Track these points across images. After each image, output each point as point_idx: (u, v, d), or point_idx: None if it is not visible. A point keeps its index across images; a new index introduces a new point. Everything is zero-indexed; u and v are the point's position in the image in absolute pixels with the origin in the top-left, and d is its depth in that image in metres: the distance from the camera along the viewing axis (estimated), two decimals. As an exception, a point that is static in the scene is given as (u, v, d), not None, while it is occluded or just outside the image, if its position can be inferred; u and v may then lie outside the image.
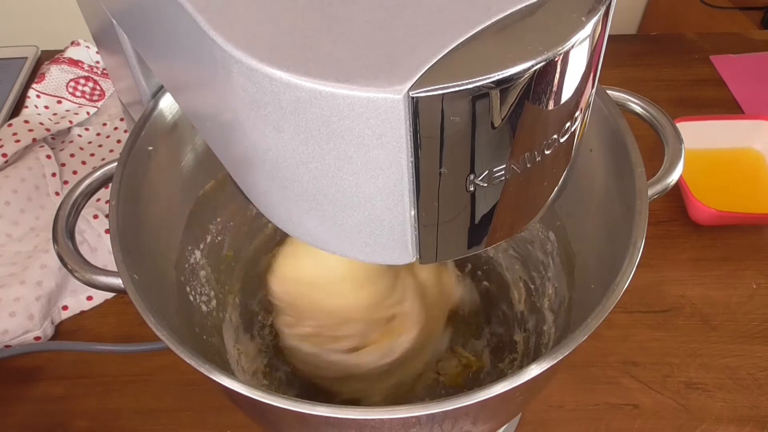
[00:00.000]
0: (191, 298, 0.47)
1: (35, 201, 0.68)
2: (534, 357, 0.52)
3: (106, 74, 0.81)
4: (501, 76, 0.21)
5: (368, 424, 0.32)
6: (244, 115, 0.24)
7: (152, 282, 0.40)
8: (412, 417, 0.31)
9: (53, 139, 0.74)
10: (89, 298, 0.62)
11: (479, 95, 0.21)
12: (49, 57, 0.82)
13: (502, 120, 0.22)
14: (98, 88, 0.80)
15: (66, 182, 0.71)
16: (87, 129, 0.76)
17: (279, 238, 0.58)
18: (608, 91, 0.43)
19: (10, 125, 0.71)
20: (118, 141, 0.76)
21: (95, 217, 0.64)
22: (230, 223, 0.52)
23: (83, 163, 0.73)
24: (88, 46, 0.82)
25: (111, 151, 0.75)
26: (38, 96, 0.77)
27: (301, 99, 0.21)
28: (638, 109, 0.44)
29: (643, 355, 0.58)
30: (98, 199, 0.67)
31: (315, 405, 0.30)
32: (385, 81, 0.21)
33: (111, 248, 0.37)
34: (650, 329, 0.60)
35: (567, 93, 0.24)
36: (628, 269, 0.35)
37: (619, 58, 0.87)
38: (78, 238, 0.60)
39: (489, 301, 0.59)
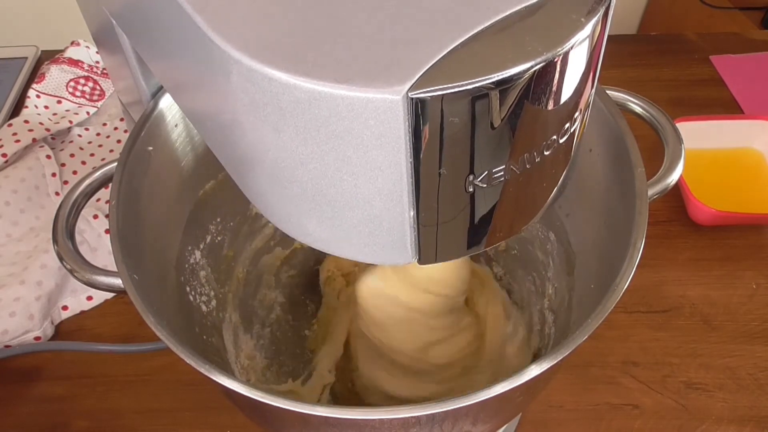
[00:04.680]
0: (191, 298, 0.47)
1: (35, 201, 0.68)
2: (534, 357, 0.52)
3: (106, 74, 0.81)
4: (500, 77, 0.21)
5: (368, 424, 0.32)
6: (243, 115, 0.24)
7: (152, 282, 0.40)
8: (412, 417, 0.31)
9: (53, 139, 0.75)
10: (89, 298, 0.62)
11: (478, 96, 0.21)
12: (49, 57, 0.82)
13: (502, 121, 0.22)
14: (98, 88, 0.80)
15: (66, 182, 0.71)
16: (87, 129, 0.77)
17: (279, 238, 0.58)
18: (608, 91, 0.43)
19: (10, 125, 0.71)
20: (118, 141, 0.76)
21: (95, 217, 0.64)
22: (230, 223, 0.52)
23: (83, 163, 0.73)
24: (88, 46, 0.82)
25: (111, 151, 0.75)
26: (38, 96, 0.77)
27: (300, 100, 0.21)
28: (638, 109, 0.44)
29: (643, 355, 0.58)
30: (98, 199, 0.67)
31: (315, 405, 0.30)
32: (384, 82, 0.21)
33: (111, 248, 0.37)
34: (650, 329, 0.60)
35: (566, 94, 0.24)
36: (628, 269, 0.35)
37: (619, 58, 0.87)
38: (78, 238, 0.60)
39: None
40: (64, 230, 0.39)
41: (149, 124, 0.42)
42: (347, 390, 0.54)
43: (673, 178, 0.41)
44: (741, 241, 0.66)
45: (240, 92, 0.23)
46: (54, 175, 0.70)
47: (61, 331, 0.61)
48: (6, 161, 0.68)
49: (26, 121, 0.72)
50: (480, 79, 0.21)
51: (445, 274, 0.47)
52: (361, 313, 0.49)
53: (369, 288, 0.48)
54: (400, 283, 0.47)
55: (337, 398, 0.54)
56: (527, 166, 0.25)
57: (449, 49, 0.21)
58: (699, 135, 0.70)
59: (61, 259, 0.38)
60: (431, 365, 0.49)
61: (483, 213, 0.26)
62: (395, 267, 0.48)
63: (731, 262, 0.65)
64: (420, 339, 0.49)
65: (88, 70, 0.81)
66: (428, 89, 0.21)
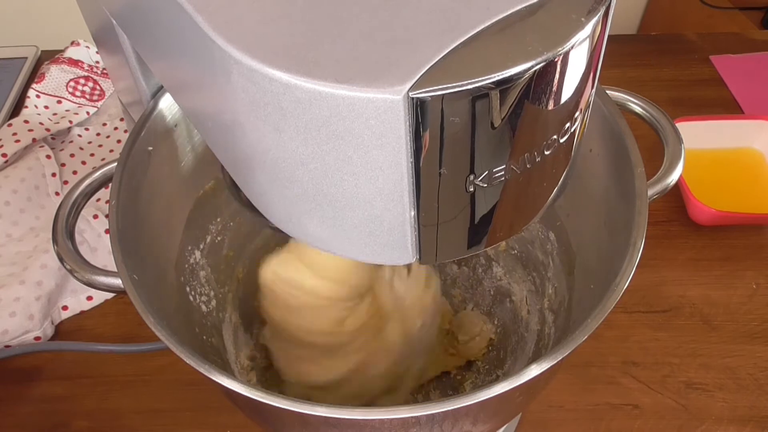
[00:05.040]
0: (191, 298, 0.47)
1: (35, 201, 0.68)
2: (534, 357, 0.52)
3: (106, 74, 0.81)
4: (501, 77, 0.21)
5: (368, 424, 0.32)
6: (243, 115, 0.24)
7: (152, 282, 0.40)
8: (411, 417, 0.31)
9: (53, 139, 0.75)
10: (89, 298, 0.62)
11: (479, 96, 0.21)
12: (49, 57, 0.82)
13: (502, 120, 0.22)
14: (98, 88, 0.80)
15: (66, 182, 0.71)
16: (87, 129, 0.77)
17: (279, 238, 0.58)
18: (608, 91, 0.43)
19: (9, 125, 0.71)
20: (118, 141, 0.76)
21: (95, 217, 0.64)
22: (230, 223, 0.52)
23: (83, 163, 0.73)
24: (88, 46, 0.82)
25: (111, 151, 0.75)
26: (38, 96, 0.77)
27: (301, 99, 0.21)
28: (638, 109, 0.44)
29: (643, 355, 0.58)
30: (98, 199, 0.67)
31: (315, 405, 0.30)
32: (385, 81, 0.21)
33: (111, 248, 0.37)
34: (650, 329, 0.60)
35: (567, 93, 0.24)
36: (628, 269, 0.35)
37: (619, 58, 0.87)
38: (78, 238, 0.60)
39: (488, 301, 0.59)
40: (64, 230, 0.39)
41: (149, 124, 0.42)
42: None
43: (673, 178, 0.41)
44: (741, 241, 0.66)
45: (240, 92, 0.23)
46: (54, 175, 0.70)
47: (61, 331, 0.61)
48: (6, 161, 0.68)
49: (26, 121, 0.72)
50: (480, 78, 0.21)
51: (342, 262, 0.46)
52: (261, 294, 0.49)
53: (268, 269, 0.48)
54: (299, 266, 0.47)
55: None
56: (528, 165, 0.25)
57: (450, 49, 0.21)
58: (699, 135, 0.70)
59: (61, 259, 0.38)
60: (345, 334, 0.49)
61: (483, 213, 0.26)
62: (298, 250, 0.47)
63: (731, 262, 0.65)
64: (328, 317, 0.48)
65: (88, 70, 0.81)
66: (429, 89, 0.21)
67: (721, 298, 0.62)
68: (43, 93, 0.77)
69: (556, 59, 0.22)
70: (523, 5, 0.22)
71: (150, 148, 0.42)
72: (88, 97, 0.79)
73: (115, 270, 0.36)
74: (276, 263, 0.48)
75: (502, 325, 0.57)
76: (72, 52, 0.81)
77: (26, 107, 0.76)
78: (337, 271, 0.46)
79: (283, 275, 0.47)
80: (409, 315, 0.52)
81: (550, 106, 0.24)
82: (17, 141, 0.69)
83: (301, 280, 0.47)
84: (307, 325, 0.48)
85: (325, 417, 0.30)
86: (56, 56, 0.81)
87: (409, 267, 0.52)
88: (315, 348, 0.49)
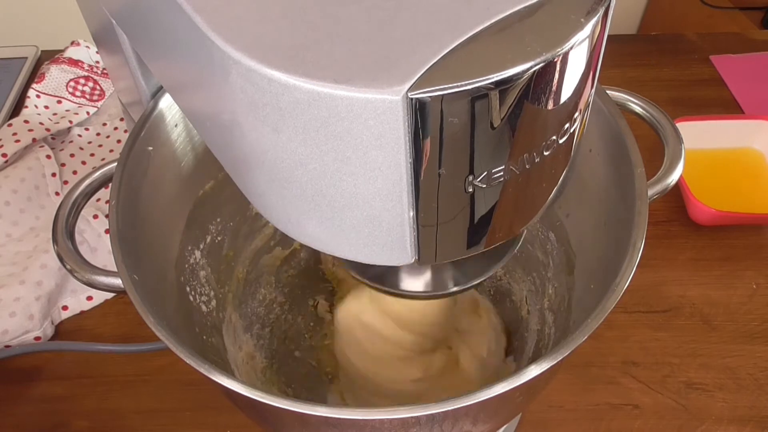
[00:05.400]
0: (191, 298, 0.47)
1: (35, 201, 0.68)
2: (534, 357, 0.52)
3: (106, 74, 0.81)
4: (500, 77, 0.21)
5: (368, 424, 0.32)
6: (242, 116, 0.24)
7: (152, 282, 0.40)
8: (411, 417, 0.31)
9: (53, 139, 0.75)
10: (89, 298, 0.62)
11: (478, 96, 0.21)
12: (49, 57, 0.82)
13: (501, 121, 0.22)
14: (98, 88, 0.80)
15: (66, 182, 0.71)
16: (87, 129, 0.77)
17: (279, 238, 0.58)
18: (608, 91, 0.43)
19: (10, 125, 0.71)
20: (118, 141, 0.76)
21: (95, 217, 0.64)
22: (230, 223, 0.52)
23: (83, 163, 0.73)
24: (88, 46, 0.82)
25: (111, 151, 0.75)
26: (38, 96, 0.77)
27: (299, 100, 0.21)
28: (638, 109, 0.44)
29: (643, 355, 0.58)
30: (98, 199, 0.67)
31: (315, 405, 0.30)
32: (384, 82, 0.21)
33: (111, 248, 0.37)
34: (650, 329, 0.60)
35: (566, 94, 0.24)
36: (628, 269, 0.35)
37: (619, 58, 0.87)
38: (78, 238, 0.60)
39: (488, 301, 0.59)
40: (64, 230, 0.39)
41: (149, 124, 0.42)
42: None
43: (673, 178, 0.41)
44: (741, 241, 0.66)
45: (239, 92, 0.23)
46: (54, 175, 0.70)
47: (61, 331, 0.61)
48: (6, 161, 0.68)
49: (26, 121, 0.72)
50: (479, 79, 0.21)
51: (423, 316, 0.47)
52: (337, 335, 0.50)
53: (348, 313, 0.48)
54: (379, 315, 0.48)
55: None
56: (527, 166, 0.25)
57: (449, 50, 0.21)
58: (699, 135, 0.70)
59: (61, 259, 0.38)
60: (431, 378, 0.49)
61: (482, 213, 0.26)
62: (376, 297, 0.48)
63: (731, 262, 0.65)
64: (415, 366, 0.49)
65: (88, 70, 0.81)
66: (428, 89, 0.21)
67: (721, 298, 0.62)
68: (43, 93, 0.78)
69: (555, 60, 0.22)
70: (523, 5, 0.22)
71: (150, 148, 0.42)
72: (88, 97, 0.79)
73: (115, 270, 0.36)
74: (357, 309, 0.49)
75: (503, 325, 0.57)
76: (72, 52, 0.81)
77: (26, 107, 0.76)
78: (421, 325, 0.47)
79: (365, 321, 0.48)
80: (474, 344, 0.53)
81: (549, 107, 0.24)
82: (17, 141, 0.69)
83: (383, 330, 0.48)
84: (394, 374, 0.49)
85: (326, 417, 0.30)
86: (56, 56, 0.81)
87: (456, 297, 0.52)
88: (401, 394, 0.50)
